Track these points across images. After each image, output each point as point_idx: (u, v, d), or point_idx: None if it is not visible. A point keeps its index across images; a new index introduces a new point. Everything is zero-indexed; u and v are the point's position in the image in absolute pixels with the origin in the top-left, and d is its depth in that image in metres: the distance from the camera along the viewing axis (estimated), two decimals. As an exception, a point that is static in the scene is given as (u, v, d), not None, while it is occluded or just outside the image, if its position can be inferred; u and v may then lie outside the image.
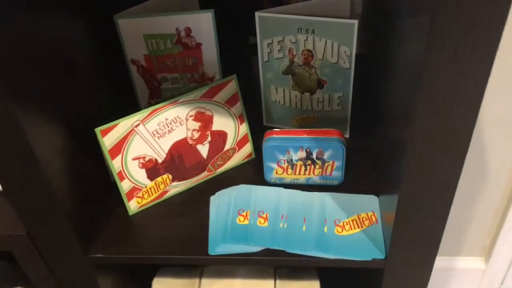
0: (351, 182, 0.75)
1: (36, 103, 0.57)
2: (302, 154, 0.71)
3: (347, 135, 0.83)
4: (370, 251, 0.65)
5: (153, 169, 0.72)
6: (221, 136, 0.76)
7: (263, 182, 0.76)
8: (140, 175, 0.71)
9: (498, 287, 1.31)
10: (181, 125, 0.72)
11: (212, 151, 0.76)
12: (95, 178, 0.73)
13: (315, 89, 0.79)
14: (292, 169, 0.73)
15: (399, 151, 0.56)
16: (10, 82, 0.52)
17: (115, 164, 0.69)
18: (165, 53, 0.77)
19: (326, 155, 0.71)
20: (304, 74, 0.77)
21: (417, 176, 0.53)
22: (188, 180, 0.76)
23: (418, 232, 0.60)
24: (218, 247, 0.67)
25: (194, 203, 0.74)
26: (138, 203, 0.73)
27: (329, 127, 0.75)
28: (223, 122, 0.75)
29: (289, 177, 0.74)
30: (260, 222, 0.69)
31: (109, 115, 0.69)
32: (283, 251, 0.66)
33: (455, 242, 1.25)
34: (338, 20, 0.70)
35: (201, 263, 0.76)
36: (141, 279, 0.84)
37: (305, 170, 0.73)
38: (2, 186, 0.61)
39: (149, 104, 0.83)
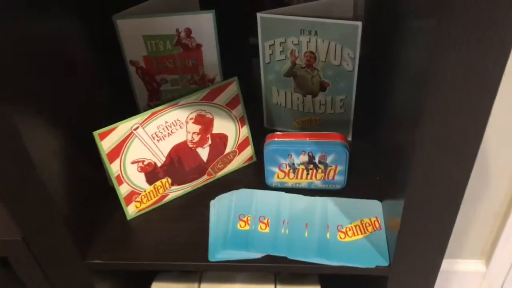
0: (353, 187, 0.73)
1: (33, 105, 0.56)
2: (304, 158, 0.70)
3: (349, 138, 0.82)
4: (373, 258, 0.64)
5: (152, 173, 0.71)
6: (221, 139, 0.74)
7: (264, 186, 0.74)
8: (139, 179, 0.70)
9: (498, 290, 1.31)
10: (181, 128, 0.70)
11: (212, 155, 0.75)
12: (93, 182, 0.72)
13: (318, 91, 0.77)
14: (294, 173, 0.72)
15: (405, 155, 0.55)
16: (5, 83, 0.50)
17: (114, 168, 0.67)
18: (165, 54, 0.75)
19: (329, 159, 0.70)
20: (306, 76, 0.76)
21: (425, 181, 0.52)
22: (187, 184, 0.75)
23: (424, 238, 0.58)
24: (218, 253, 0.66)
25: (194, 208, 0.73)
26: (137, 207, 0.71)
27: (331, 130, 0.74)
28: (223, 125, 0.74)
29: (290, 182, 0.73)
30: (261, 228, 0.68)
31: (107, 117, 0.68)
32: (285, 258, 0.65)
33: (455, 244, 1.24)
34: (341, 21, 0.69)
35: (201, 269, 0.75)
36: (140, 284, 0.83)
37: (307, 174, 0.72)
38: (-3, 190, 0.59)
39: (148, 106, 0.81)
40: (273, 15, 0.71)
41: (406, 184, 0.53)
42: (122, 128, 0.66)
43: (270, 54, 0.75)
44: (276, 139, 0.71)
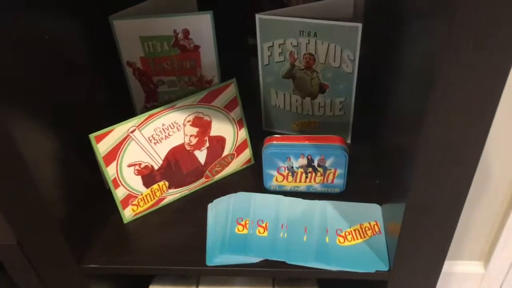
0: (353, 190, 0.73)
1: (25, 106, 0.55)
2: (303, 161, 0.69)
3: (348, 141, 0.81)
4: (373, 262, 0.63)
5: (149, 176, 0.70)
6: (219, 141, 0.74)
7: (262, 189, 0.73)
8: (136, 182, 0.69)
9: (497, 292, 1.31)
10: (178, 130, 0.69)
11: (210, 157, 0.74)
12: (89, 185, 0.71)
13: (317, 93, 0.76)
14: (292, 177, 0.71)
15: (407, 158, 0.54)
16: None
17: (110, 171, 0.66)
18: (162, 55, 0.74)
19: (328, 163, 0.69)
20: (306, 78, 0.75)
21: (427, 185, 0.51)
22: (185, 187, 0.74)
23: (424, 243, 0.58)
24: (216, 257, 0.65)
25: (191, 211, 0.72)
26: (134, 211, 0.71)
27: (330, 132, 0.73)
28: (221, 127, 0.73)
29: (289, 185, 0.72)
30: (259, 232, 0.67)
31: (104, 118, 0.67)
32: (283, 262, 0.64)
33: (454, 246, 1.24)
34: (341, 23, 0.68)
35: (198, 274, 0.74)
36: (136, 288, 0.82)
37: (306, 177, 0.71)
38: (-10, 194, 0.58)
39: (145, 108, 0.81)
40: (272, 16, 0.70)
41: (408, 188, 0.53)
42: (118, 130, 0.65)
43: (268, 56, 0.74)
44: (274, 142, 0.70)
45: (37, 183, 0.56)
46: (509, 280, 1.28)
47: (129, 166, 0.67)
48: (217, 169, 0.75)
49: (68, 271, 0.66)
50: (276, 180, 0.72)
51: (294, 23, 0.70)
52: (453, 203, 0.53)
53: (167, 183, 0.72)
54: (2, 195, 0.57)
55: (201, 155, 0.73)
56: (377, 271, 0.62)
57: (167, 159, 0.70)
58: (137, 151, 0.67)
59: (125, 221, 0.71)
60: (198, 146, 0.72)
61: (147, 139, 0.67)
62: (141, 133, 0.66)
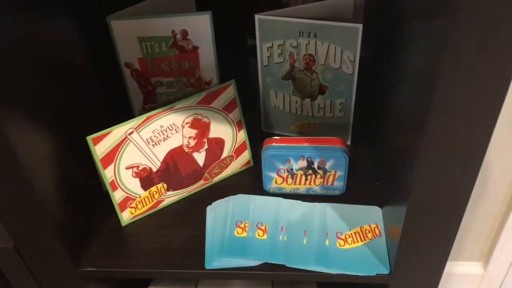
0: (353, 192, 0.72)
1: (23, 108, 0.54)
2: (303, 163, 0.69)
3: (348, 142, 0.80)
4: (373, 266, 0.62)
5: (147, 178, 0.69)
6: (218, 143, 0.73)
7: (261, 191, 0.73)
8: (134, 185, 0.68)
9: (496, 292, 1.30)
10: (177, 132, 0.68)
11: (209, 159, 0.73)
12: (86, 187, 0.70)
13: (317, 95, 0.76)
14: (292, 179, 0.71)
15: (408, 160, 0.53)
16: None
17: (108, 174, 0.65)
18: (160, 56, 0.74)
19: (328, 165, 0.68)
20: (305, 79, 0.74)
21: (429, 187, 0.51)
22: (183, 189, 0.73)
23: (426, 246, 0.57)
24: (215, 261, 0.64)
25: (190, 214, 0.71)
26: (132, 213, 0.70)
27: (330, 133, 0.73)
28: (220, 129, 0.72)
29: (289, 187, 0.72)
30: (259, 235, 0.67)
31: (101, 120, 0.66)
32: (283, 266, 0.63)
33: (454, 246, 1.23)
34: (341, 24, 0.67)
35: (197, 277, 0.73)
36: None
37: (306, 180, 0.70)
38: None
39: (143, 109, 0.80)
40: (272, 17, 0.69)
41: (409, 190, 0.52)
42: (116, 132, 0.64)
43: (268, 57, 0.73)
44: (274, 144, 0.69)
45: (34, 185, 0.56)
46: (509, 281, 1.27)
47: (127, 168, 0.67)
48: (216, 171, 0.75)
49: (65, 275, 0.66)
50: (276, 182, 0.71)
51: (293, 23, 0.69)
52: (455, 205, 0.53)
53: (165, 186, 0.71)
54: (-2, 198, 0.57)
55: (200, 157, 0.72)
56: (377, 274, 0.62)
57: (165, 161, 0.69)
58: (135, 153, 0.66)
59: (123, 224, 0.70)
60: (197, 148, 0.71)
61: (145, 141, 0.66)
62: (139, 135, 0.66)
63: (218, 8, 0.71)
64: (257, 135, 0.79)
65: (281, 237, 0.66)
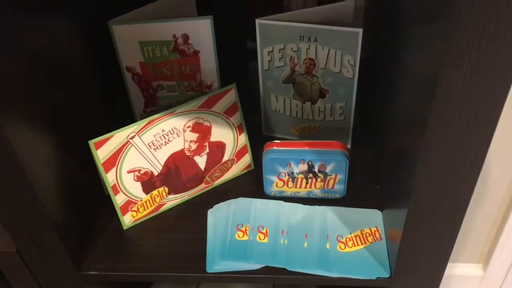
0: (353, 196, 0.73)
1: (24, 112, 0.54)
2: (304, 167, 0.69)
3: (348, 146, 0.81)
4: (374, 269, 0.63)
5: (148, 182, 0.69)
6: (219, 147, 0.73)
7: (262, 194, 0.73)
8: (135, 188, 0.69)
9: (496, 294, 1.31)
10: (178, 136, 0.69)
11: (210, 163, 0.73)
12: (88, 191, 0.71)
13: (317, 98, 0.76)
14: (293, 182, 0.71)
15: (409, 163, 0.54)
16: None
17: (109, 178, 0.66)
18: (162, 60, 0.74)
19: (328, 168, 0.69)
20: (306, 83, 0.75)
21: (429, 190, 0.51)
22: (185, 193, 0.73)
23: (426, 249, 0.58)
24: (216, 264, 0.64)
25: (191, 217, 0.72)
26: (133, 217, 0.70)
27: (331, 137, 0.73)
28: (221, 133, 0.72)
29: (289, 190, 0.72)
30: (260, 238, 0.67)
31: (103, 123, 0.66)
32: (284, 269, 0.64)
33: (453, 248, 1.24)
34: (342, 28, 0.67)
35: (198, 280, 0.74)
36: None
37: (307, 183, 0.71)
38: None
39: (144, 112, 0.80)
40: (272, 22, 0.70)
41: (410, 193, 0.52)
42: (118, 137, 0.64)
43: (269, 61, 0.74)
44: (275, 147, 0.69)
45: (36, 189, 0.56)
46: (508, 283, 1.28)
47: (129, 172, 0.67)
48: (217, 174, 0.75)
49: (67, 278, 0.66)
50: (277, 185, 0.72)
51: (294, 28, 0.69)
52: (455, 208, 0.53)
53: (166, 189, 0.71)
54: (0, 202, 0.57)
55: (201, 161, 0.72)
56: (378, 277, 0.62)
57: (167, 165, 0.70)
58: (136, 157, 0.67)
59: (124, 227, 0.70)
60: (198, 151, 0.72)
61: (147, 145, 0.67)
62: (141, 139, 0.66)
63: (219, 12, 0.71)
64: (258, 138, 0.80)
65: (282, 241, 0.66)
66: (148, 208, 0.71)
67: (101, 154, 0.64)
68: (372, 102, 0.80)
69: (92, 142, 0.63)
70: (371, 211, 0.70)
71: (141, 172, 0.68)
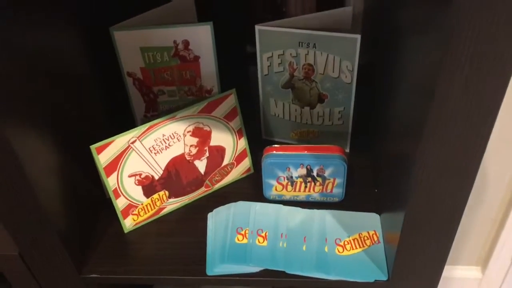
0: (351, 199, 0.73)
1: (26, 118, 0.55)
2: (303, 171, 0.70)
3: (347, 150, 0.81)
4: (372, 272, 0.64)
5: (149, 186, 0.70)
6: (219, 151, 0.74)
7: (262, 198, 0.74)
8: (136, 192, 0.69)
9: (494, 297, 1.31)
10: (179, 141, 0.70)
11: (210, 167, 0.74)
12: (89, 195, 0.72)
13: (316, 103, 0.77)
14: (292, 186, 0.72)
15: (406, 168, 0.54)
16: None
17: (111, 182, 0.67)
18: (162, 65, 0.75)
19: (327, 173, 0.70)
20: (305, 88, 0.76)
21: (427, 195, 0.52)
22: (185, 197, 0.74)
23: (423, 252, 0.58)
24: (216, 267, 0.65)
25: (191, 220, 0.73)
26: (134, 220, 0.71)
27: (329, 141, 0.74)
28: (221, 137, 0.73)
29: (288, 194, 0.73)
30: (259, 241, 0.68)
31: (104, 128, 0.67)
32: (283, 272, 0.64)
33: (452, 251, 1.23)
34: (340, 34, 0.68)
35: (198, 283, 0.74)
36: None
37: (305, 187, 0.72)
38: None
39: (145, 117, 0.81)
40: (272, 28, 0.71)
41: (407, 197, 0.53)
42: (119, 141, 0.65)
43: (268, 66, 0.75)
44: (274, 152, 0.70)
45: (37, 193, 0.56)
46: (507, 285, 1.28)
47: (130, 176, 0.68)
48: (217, 178, 0.76)
49: (69, 281, 0.67)
50: (276, 189, 0.72)
51: (293, 34, 0.70)
52: (452, 212, 0.53)
53: (167, 193, 0.72)
54: (2, 206, 0.57)
55: (201, 165, 0.73)
56: (376, 280, 0.63)
57: (167, 169, 0.70)
58: (137, 162, 0.67)
59: (125, 231, 0.71)
60: (198, 156, 0.72)
61: (148, 149, 0.68)
62: (142, 144, 0.67)
63: (219, 18, 0.72)
64: (257, 142, 0.80)
65: (281, 244, 0.67)
66: (148, 211, 0.72)
67: (103, 158, 0.65)
68: (370, 107, 0.81)
69: (93, 147, 0.64)
70: (369, 215, 0.71)
71: (142, 176, 0.69)
